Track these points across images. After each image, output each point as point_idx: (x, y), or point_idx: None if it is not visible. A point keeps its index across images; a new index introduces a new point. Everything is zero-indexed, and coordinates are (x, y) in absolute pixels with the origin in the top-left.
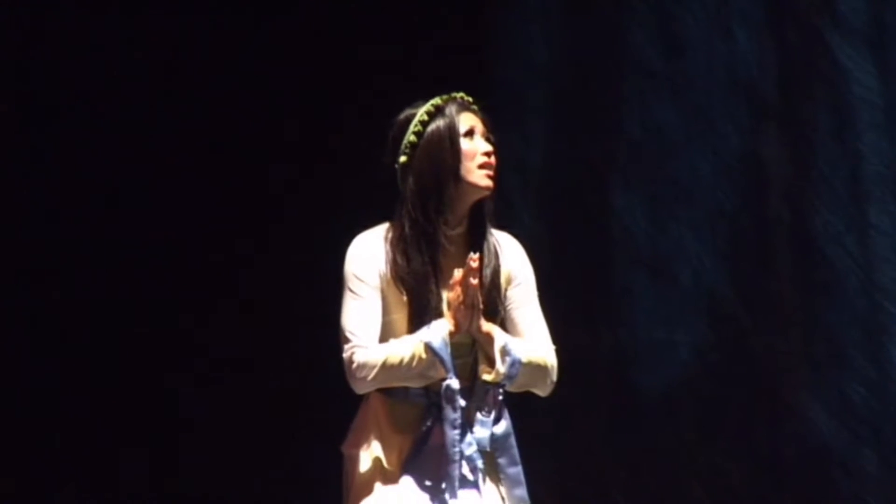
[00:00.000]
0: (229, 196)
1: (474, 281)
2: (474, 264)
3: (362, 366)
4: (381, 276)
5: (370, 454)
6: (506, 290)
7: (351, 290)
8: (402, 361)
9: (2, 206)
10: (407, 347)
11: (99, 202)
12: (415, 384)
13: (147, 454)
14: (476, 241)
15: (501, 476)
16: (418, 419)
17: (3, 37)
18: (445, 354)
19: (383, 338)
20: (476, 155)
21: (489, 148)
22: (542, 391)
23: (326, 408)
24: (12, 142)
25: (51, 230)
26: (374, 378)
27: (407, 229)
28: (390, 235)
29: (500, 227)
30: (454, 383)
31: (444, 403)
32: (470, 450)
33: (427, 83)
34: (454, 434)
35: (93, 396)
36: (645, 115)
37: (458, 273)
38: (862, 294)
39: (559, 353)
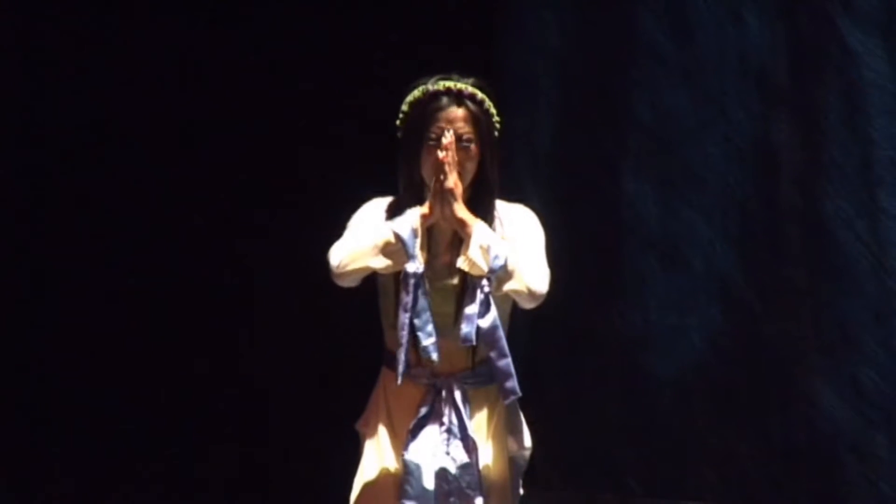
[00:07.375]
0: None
1: (447, 155)
2: (445, 140)
3: (335, 253)
4: None
5: (375, 432)
6: None
7: (347, 229)
8: (368, 237)
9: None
10: (377, 227)
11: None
12: (380, 265)
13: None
14: (474, 213)
15: (492, 370)
16: (421, 399)
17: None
18: (408, 238)
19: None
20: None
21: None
22: (525, 302)
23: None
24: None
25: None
26: (347, 260)
27: (402, 192)
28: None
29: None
30: (411, 267)
31: (401, 287)
32: (427, 340)
33: (438, 68)
34: (404, 317)
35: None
36: (656, 101)
37: (440, 154)
38: (873, 279)
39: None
